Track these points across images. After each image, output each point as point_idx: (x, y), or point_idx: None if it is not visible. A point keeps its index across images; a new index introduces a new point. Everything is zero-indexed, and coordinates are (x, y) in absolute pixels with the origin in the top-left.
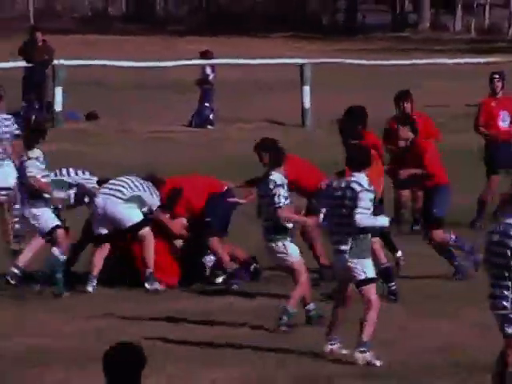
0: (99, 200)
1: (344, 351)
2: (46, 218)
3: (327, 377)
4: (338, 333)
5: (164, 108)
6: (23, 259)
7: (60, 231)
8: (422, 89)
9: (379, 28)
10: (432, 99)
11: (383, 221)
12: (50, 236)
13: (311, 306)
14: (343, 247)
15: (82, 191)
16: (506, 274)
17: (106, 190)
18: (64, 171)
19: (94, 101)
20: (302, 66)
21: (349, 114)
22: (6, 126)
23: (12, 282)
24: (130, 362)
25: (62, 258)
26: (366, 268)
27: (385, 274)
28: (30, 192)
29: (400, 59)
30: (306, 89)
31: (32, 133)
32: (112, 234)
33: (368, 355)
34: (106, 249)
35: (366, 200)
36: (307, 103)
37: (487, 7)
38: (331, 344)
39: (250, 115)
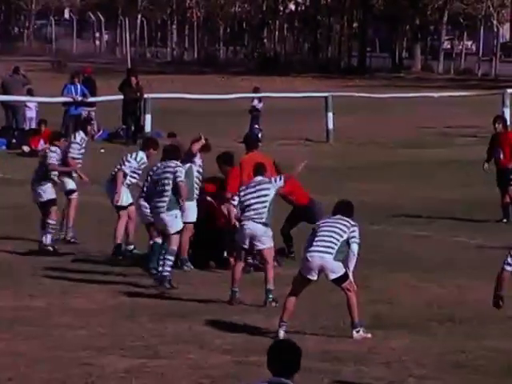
0: None
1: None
2: None
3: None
4: (289, 319)
5: (225, 128)
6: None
7: None
8: (414, 114)
9: (382, 70)
10: (422, 122)
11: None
12: None
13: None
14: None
15: None
16: None
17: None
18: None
19: (173, 124)
20: (326, 97)
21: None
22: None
23: None
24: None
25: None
26: (341, 267)
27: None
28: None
29: (397, 93)
30: (330, 114)
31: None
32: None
33: (362, 332)
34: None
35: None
36: (330, 125)
37: (463, 54)
38: (283, 329)
39: (288, 134)
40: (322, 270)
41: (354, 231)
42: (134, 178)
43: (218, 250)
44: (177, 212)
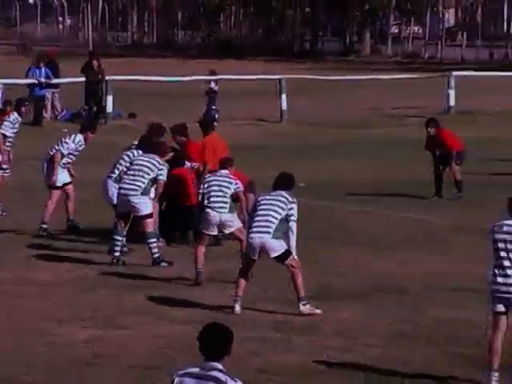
0: None
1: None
2: None
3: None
4: (243, 294)
5: (182, 109)
6: None
7: None
8: (364, 96)
9: (333, 53)
10: (371, 103)
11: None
12: None
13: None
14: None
15: None
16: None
17: None
18: None
19: (133, 104)
20: (279, 80)
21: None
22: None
23: None
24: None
25: None
26: (281, 245)
27: None
28: None
29: (348, 75)
30: (283, 96)
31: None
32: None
33: (308, 306)
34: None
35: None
36: (284, 106)
37: (410, 39)
38: (239, 304)
39: (243, 115)
40: (263, 249)
41: (291, 208)
42: (71, 158)
43: (186, 226)
44: (147, 197)
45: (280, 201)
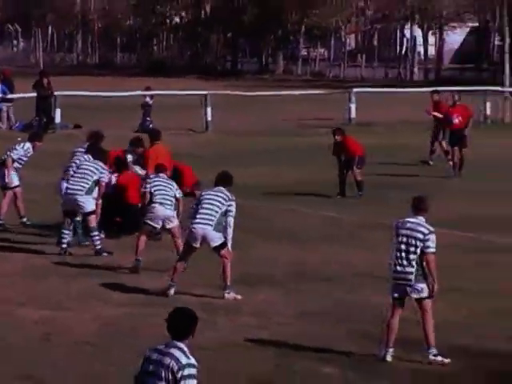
0: None
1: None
2: None
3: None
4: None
5: (121, 121)
6: None
7: None
8: (279, 109)
9: (251, 72)
10: (286, 115)
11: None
12: None
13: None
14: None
15: None
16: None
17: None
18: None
19: (78, 116)
20: (205, 95)
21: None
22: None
23: None
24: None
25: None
26: (220, 237)
27: None
28: None
29: (264, 91)
30: (208, 109)
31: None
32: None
33: (232, 294)
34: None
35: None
36: (209, 118)
37: (317, 60)
38: (173, 289)
39: (174, 126)
40: (204, 239)
41: (230, 205)
42: (20, 163)
43: (128, 221)
44: (91, 197)
45: (221, 197)
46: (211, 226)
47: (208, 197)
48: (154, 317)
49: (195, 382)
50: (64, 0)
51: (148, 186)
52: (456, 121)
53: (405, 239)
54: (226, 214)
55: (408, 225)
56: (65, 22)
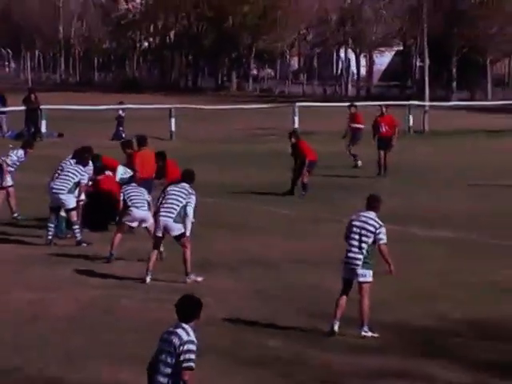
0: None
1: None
2: None
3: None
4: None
5: (99, 130)
6: None
7: None
8: (233, 121)
9: (209, 89)
10: (239, 126)
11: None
12: None
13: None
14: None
15: None
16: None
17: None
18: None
19: (61, 126)
20: (170, 108)
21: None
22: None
23: None
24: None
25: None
26: (180, 228)
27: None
28: None
29: (220, 105)
30: (173, 120)
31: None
32: None
33: (193, 277)
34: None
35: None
36: (173, 128)
37: (265, 78)
38: (149, 276)
39: (143, 134)
40: (165, 229)
41: (190, 198)
42: (13, 167)
43: (107, 217)
44: (73, 195)
45: (183, 192)
46: (172, 218)
47: (172, 192)
48: (125, 298)
49: (193, 355)
50: (49, 27)
51: (122, 194)
52: (383, 129)
53: (358, 230)
54: (185, 206)
55: (362, 218)
56: (50, 46)
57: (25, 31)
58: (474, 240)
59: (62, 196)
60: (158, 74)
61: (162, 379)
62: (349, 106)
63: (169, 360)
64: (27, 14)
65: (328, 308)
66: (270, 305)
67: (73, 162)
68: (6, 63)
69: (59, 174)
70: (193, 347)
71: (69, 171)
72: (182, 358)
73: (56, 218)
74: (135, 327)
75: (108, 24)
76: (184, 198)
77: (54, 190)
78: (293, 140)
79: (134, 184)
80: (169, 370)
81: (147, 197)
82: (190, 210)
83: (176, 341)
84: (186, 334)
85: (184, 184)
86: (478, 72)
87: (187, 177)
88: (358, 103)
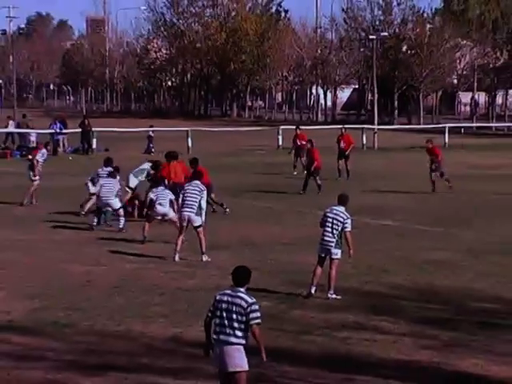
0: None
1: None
2: None
3: None
4: (182, 249)
5: (134, 146)
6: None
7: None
8: (234, 140)
9: (216, 116)
10: (238, 144)
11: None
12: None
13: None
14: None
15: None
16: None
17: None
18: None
19: (107, 143)
20: (187, 130)
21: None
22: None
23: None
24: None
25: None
26: (199, 220)
27: None
28: None
29: (225, 127)
30: (189, 139)
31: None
32: None
33: (205, 256)
34: None
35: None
36: (190, 144)
37: (258, 108)
38: (178, 255)
39: (167, 149)
40: (189, 220)
41: (203, 194)
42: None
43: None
44: (118, 199)
45: (196, 190)
46: (194, 212)
47: (190, 189)
48: (153, 270)
49: (259, 313)
50: (98, 70)
51: (152, 194)
52: (342, 144)
53: (330, 219)
54: (200, 200)
55: (334, 211)
56: (99, 84)
57: (81, 73)
58: (411, 227)
59: (109, 200)
60: (178, 105)
61: (236, 333)
62: (296, 128)
63: (239, 318)
64: (83, 61)
65: (307, 278)
66: (263, 276)
67: (106, 169)
68: (67, 97)
69: (103, 185)
70: (257, 307)
71: (111, 183)
72: (251, 316)
73: (102, 212)
74: (161, 292)
75: (141, 68)
76: (198, 195)
77: (103, 198)
78: (308, 146)
79: (161, 187)
80: (242, 326)
81: (171, 197)
82: (204, 204)
83: (243, 303)
84: (249, 296)
85: (197, 182)
86: (413, 103)
87: (198, 176)
88: (325, 127)
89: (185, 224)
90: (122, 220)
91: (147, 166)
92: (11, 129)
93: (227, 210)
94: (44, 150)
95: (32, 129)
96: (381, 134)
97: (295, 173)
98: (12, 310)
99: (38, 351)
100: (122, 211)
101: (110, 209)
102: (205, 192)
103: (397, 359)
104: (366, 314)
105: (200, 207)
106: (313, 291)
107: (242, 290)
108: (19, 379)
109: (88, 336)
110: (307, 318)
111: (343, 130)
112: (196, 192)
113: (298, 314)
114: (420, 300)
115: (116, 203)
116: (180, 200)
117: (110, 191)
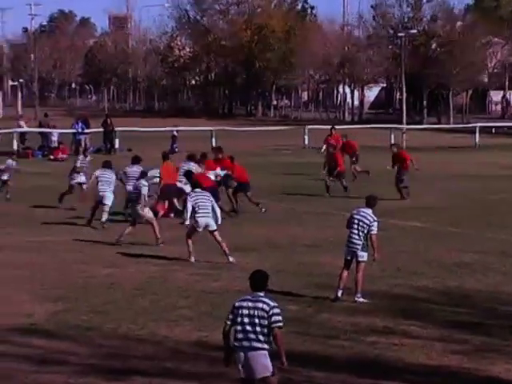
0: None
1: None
2: None
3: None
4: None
5: (158, 146)
6: None
7: None
8: (259, 139)
9: (241, 115)
10: (264, 143)
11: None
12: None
13: None
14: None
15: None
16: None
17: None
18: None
19: (130, 143)
20: (212, 130)
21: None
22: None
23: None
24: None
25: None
26: (215, 224)
27: None
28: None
29: (250, 128)
30: (213, 139)
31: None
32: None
33: (231, 258)
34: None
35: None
36: (214, 144)
37: (284, 107)
38: (193, 257)
39: (191, 149)
40: (206, 226)
41: (213, 201)
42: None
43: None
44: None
45: (208, 196)
46: (210, 217)
47: (201, 196)
48: (177, 272)
49: (281, 317)
50: (121, 68)
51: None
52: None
53: (357, 221)
54: (213, 206)
55: (361, 213)
56: (122, 83)
57: (103, 71)
58: (440, 229)
59: (105, 193)
60: (202, 104)
61: (259, 338)
62: (330, 128)
63: (262, 322)
64: (106, 59)
65: (333, 281)
66: (286, 278)
67: (134, 167)
68: (89, 96)
69: (99, 176)
70: (279, 310)
71: (107, 175)
72: (272, 319)
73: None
74: (185, 295)
75: (165, 66)
76: (211, 201)
77: (100, 190)
78: (331, 150)
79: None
80: (265, 330)
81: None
82: (217, 208)
83: (265, 306)
84: (270, 300)
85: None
86: (443, 102)
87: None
88: (352, 126)
89: (201, 230)
90: (105, 215)
91: (156, 172)
92: (25, 129)
93: (263, 209)
94: (82, 156)
95: (53, 128)
96: (409, 134)
97: (324, 172)
98: (34, 312)
99: (59, 355)
100: (107, 207)
101: (106, 204)
102: (212, 197)
103: (426, 364)
104: (395, 317)
105: (214, 211)
106: (339, 294)
107: (262, 294)
108: (39, 383)
109: (111, 340)
110: (334, 321)
111: (344, 137)
112: (206, 197)
113: (325, 318)
114: (450, 303)
115: (109, 198)
116: (189, 206)
117: (107, 183)
